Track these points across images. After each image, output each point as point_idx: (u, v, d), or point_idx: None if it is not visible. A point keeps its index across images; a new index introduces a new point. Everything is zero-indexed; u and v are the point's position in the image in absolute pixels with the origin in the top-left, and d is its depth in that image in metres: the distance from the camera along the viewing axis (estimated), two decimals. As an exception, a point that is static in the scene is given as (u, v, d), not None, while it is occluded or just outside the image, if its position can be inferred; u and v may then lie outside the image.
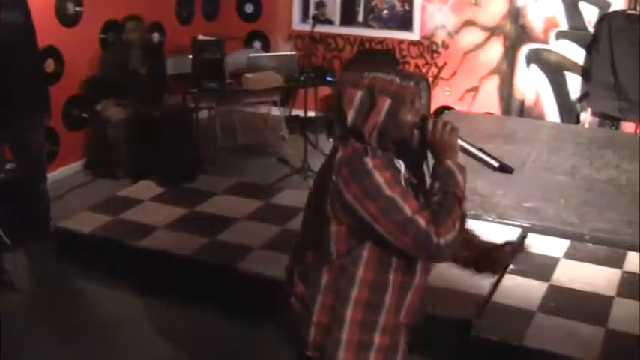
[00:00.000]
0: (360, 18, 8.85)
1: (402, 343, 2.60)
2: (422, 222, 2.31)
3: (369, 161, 2.36)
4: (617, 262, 4.94)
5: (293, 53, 7.93)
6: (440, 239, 2.31)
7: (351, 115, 2.44)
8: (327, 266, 2.50)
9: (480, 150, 2.51)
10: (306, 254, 2.59)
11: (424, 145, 2.46)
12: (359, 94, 2.43)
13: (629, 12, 7.42)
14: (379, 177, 2.34)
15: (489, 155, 2.51)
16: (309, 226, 2.64)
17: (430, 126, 2.43)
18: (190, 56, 7.34)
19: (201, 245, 5.11)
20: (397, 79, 2.43)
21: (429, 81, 2.16)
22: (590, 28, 7.73)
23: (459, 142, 2.46)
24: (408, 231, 2.32)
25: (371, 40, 8.70)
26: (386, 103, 2.41)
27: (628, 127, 7.78)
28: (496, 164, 2.50)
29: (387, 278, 2.48)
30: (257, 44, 9.17)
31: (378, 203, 2.33)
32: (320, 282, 2.51)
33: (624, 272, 4.81)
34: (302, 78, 7.09)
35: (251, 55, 7.60)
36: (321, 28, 8.54)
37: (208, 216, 5.61)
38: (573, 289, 4.60)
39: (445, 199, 2.37)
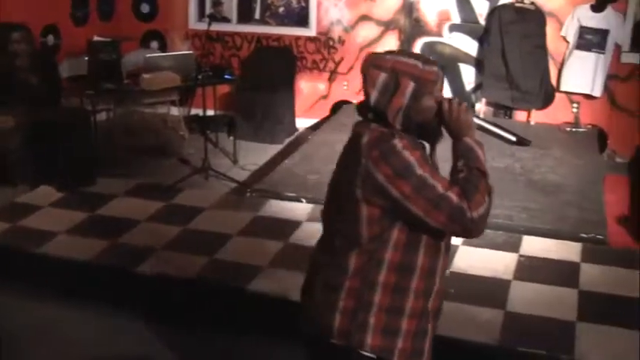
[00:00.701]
0: (257, 15, 8.88)
1: (430, 329, 2.61)
2: (454, 198, 2.35)
3: (398, 142, 2.40)
4: (513, 246, 5.11)
5: (190, 52, 7.89)
6: (473, 213, 2.36)
7: (374, 96, 2.48)
8: (356, 251, 2.50)
9: (496, 125, 2.59)
10: (332, 241, 2.59)
11: (439, 126, 2.53)
12: (382, 76, 2.46)
13: (518, 4, 7.67)
14: (409, 156, 2.38)
15: (506, 130, 2.59)
16: (332, 214, 2.62)
17: (446, 106, 2.49)
18: (87, 58, 7.21)
19: (103, 249, 5.04)
20: (420, 64, 2.46)
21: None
22: (482, 21, 7.94)
23: (475, 119, 2.53)
24: (442, 207, 2.36)
25: (268, 37, 8.74)
26: (410, 86, 2.45)
27: (521, 115, 8.02)
28: (513, 138, 2.59)
29: (415, 261, 2.50)
30: (154, 44, 9.09)
31: (410, 182, 2.36)
32: (347, 267, 2.52)
33: (520, 256, 4.98)
34: (200, 77, 7.06)
35: (148, 55, 7.51)
36: (218, 27, 8.54)
37: (109, 219, 5.55)
38: (472, 275, 4.73)
39: (471, 174, 2.42)
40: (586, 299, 4.48)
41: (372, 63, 2.51)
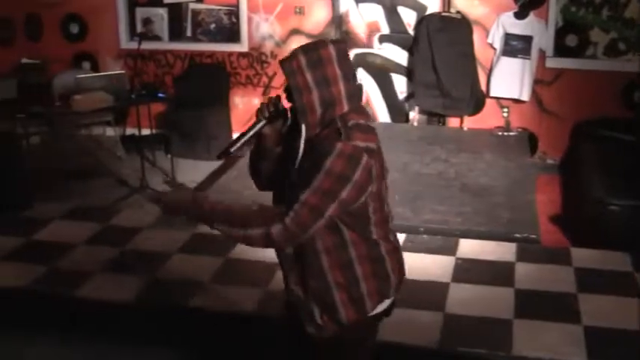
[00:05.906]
0: (189, 33, 8.85)
1: None
2: None
3: None
4: (450, 250, 5.19)
5: (122, 72, 7.82)
6: None
7: None
8: None
9: None
10: None
11: None
12: None
13: (444, 14, 7.79)
14: None
15: None
16: None
17: None
18: (15, 80, 7.10)
19: (40, 275, 4.97)
20: None
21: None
22: (410, 31, 8.06)
23: None
24: None
25: (201, 53, 8.74)
26: None
27: (454, 122, 8.15)
28: None
29: None
30: (86, 65, 9.00)
31: None
32: None
33: (457, 259, 5.07)
34: (133, 96, 7.03)
35: (78, 76, 7.43)
36: (150, 45, 8.51)
37: (46, 244, 5.47)
38: (412, 280, 4.78)
39: None
40: (522, 297, 4.59)
41: None
